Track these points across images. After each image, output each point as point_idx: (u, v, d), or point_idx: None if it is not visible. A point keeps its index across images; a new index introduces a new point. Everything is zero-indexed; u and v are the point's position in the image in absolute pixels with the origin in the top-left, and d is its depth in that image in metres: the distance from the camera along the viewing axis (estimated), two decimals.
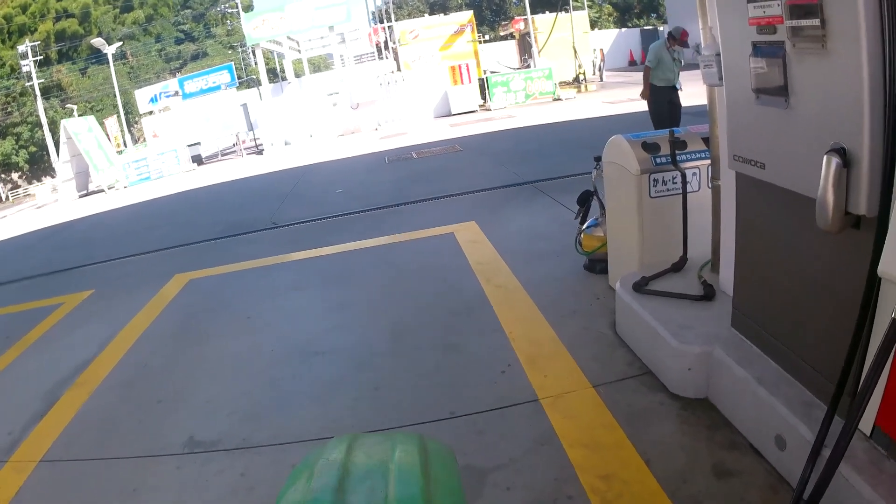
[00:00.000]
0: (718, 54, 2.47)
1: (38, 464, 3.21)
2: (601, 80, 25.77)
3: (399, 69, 22.73)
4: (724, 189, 2.86)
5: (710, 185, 3.31)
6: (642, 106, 14.55)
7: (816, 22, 1.75)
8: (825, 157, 1.80)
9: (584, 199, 4.15)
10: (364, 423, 2.95)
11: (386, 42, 25.79)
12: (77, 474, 3.08)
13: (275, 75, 30.71)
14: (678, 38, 7.75)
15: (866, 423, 1.89)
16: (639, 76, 25.73)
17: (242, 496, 2.63)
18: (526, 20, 25.15)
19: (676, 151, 3.27)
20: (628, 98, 17.06)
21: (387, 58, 25.67)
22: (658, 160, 3.23)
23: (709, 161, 3.30)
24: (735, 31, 2.16)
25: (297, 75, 27.58)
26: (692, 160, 3.30)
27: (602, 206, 4.00)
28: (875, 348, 1.73)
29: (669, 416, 2.51)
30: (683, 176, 3.15)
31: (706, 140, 3.36)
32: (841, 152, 1.78)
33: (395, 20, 26.27)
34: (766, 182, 2.21)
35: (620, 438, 2.40)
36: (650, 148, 3.26)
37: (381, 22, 27.51)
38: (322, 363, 3.72)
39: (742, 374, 2.37)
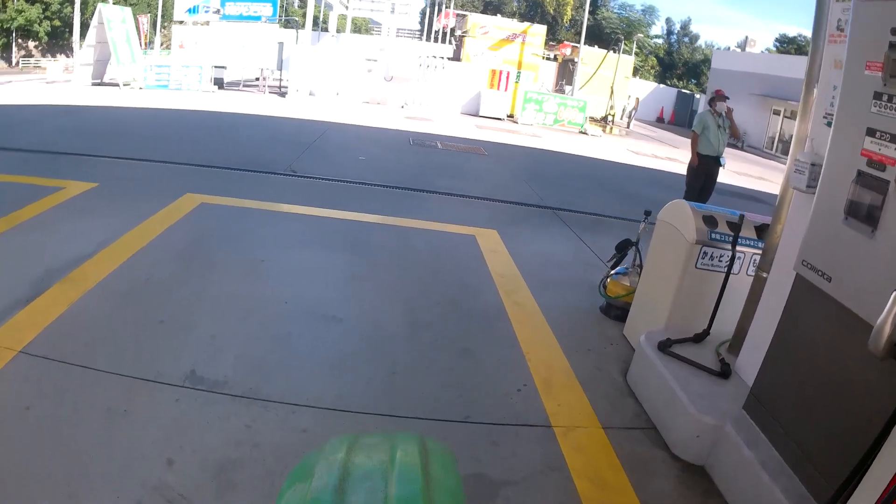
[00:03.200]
0: (814, 164, 2.65)
1: (17, 354, 3.01)
2: (628, 126, 26.12)
3: (460, 58, 22.88)
4: (771, 284, 3.02)
5: (749, 273, 3.49)
6: (666, 165, 14.88)
7: None
8: (894, 294, 1.96)
9: (623, 247, 4.30)
10: (377, 405, 2.94)
11: (454, 29, 25.89)
12: (62, 377, 2.89)
13: (315, 24, 30.35)
14: (715, 96, 7.87)
15: None
16: (664, 135, 26.12)
17: (247, 450, 2.51)
18: (575, 48, 25.35)
19: (725, 233, 3.44)
20: (653, 154, 17.35)
21: (450, 43, 25.69)
22: (713, 235, 3.39)
23: (755, 250, 3.48)
24: (845, 152, 2.31)
25: (339, 30, 27.36)
26: (740, 245, 3.46)
27: (640, 259, 4.16)
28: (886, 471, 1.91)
29: (669, 474, 2.67)
30: (733, 258, 3.31)
31: (758, 229, 3.53)
32: None
33: (446, 7, 26.41)
34: (828, 294, 2.37)
35: (624, 483, 2.55)
36: (709, 221, 3.42)
37: (437, 8, 27.49)
38: (337, 331, 3.70)
39: (748, 455, 2.53)
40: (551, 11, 44.81)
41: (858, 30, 2.26)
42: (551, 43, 35.41)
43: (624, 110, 27.16)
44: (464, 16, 25.37)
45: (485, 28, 22.44)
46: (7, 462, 2.33)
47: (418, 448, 1.29)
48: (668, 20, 53.07)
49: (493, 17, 24.97)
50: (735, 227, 3.34)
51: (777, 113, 27.52)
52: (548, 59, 31.13)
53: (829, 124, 2.71)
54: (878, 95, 2.13)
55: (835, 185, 2.38)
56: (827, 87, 2.77)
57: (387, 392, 3.09)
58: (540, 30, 24.10)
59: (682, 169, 13.40)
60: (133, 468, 2.35)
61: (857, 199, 2.24)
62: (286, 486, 1.24)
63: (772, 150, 27.13)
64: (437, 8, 27.91)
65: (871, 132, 2.18)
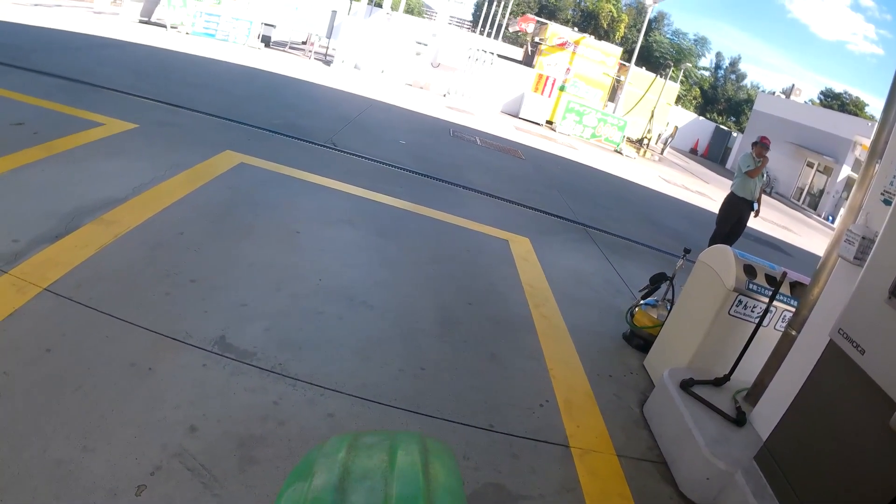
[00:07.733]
0: (864, 238, 2.72)
1: (42, 291, 2.97)
2: (662, 152, 26.04)
3: (532, 64, 23.03)
4: (800, 343, 3.10)
5: (777, 328, 3.57)
6: (696, 199, 14.88)
7: None
8: None
9: (658, 280, 4.39)
10: (405, 400, 2.97)
11: (532, 36, 26.13)
12: (86, 323, 2.83)
13: None
14: (759, 142, 7.74)
15: None
16: (696, 167, 26.06)
17: (272, 427, 2.49)
18: (623, 66, 25.24)
19: (763, 286, 3.52)
20: (683, 185, 17.32)
21: (530, 52, 25.87)
22: (751, 285, 3.47)
23: (787, 306, 3.56)
24: None
25: (393, 8, 27.36)
26: (775, 300, 3.53)
27: (672, 295, 4.24)
28: None
29: None
30: (766, 311, 3.39)
31: (792, 286, 3.61)
32: None
33: (501, 10, 26.50)
34: (858, 366, 2.46)
35: None
36: (749, 271, 3.51)
37: (493, 3, 27.49)
38: (369, 317, 3.72)
39: None
40: (604, 26, 44.57)
41: None
42: None
43: (660, 136, 27.05)
44: (543, 24, 25.30)
45: (563, 39, 22.38)
46: (22, 404, 2.28)
47: (419, 448, 1.31)
48: (718, 54, 52.90)
49: (570, 29, 24.86)
50: (774, 282, 3.42)
51: (811, 165, 27.29)
52: None
53: (885, 202, 2.79)
54: None
55: (885, 263, 2.46)
56: (889, 166, 2.83)
57: (414, 387, 3.11)
58: (615, 50, 23.93)
59: (711, 205, 13.48)
60: (154, 430, 2.33)
61: None
62: (286, 484, 1.24)
63: (799, 200, 26.95)
64: (493, 3, 27.83)
65: None
